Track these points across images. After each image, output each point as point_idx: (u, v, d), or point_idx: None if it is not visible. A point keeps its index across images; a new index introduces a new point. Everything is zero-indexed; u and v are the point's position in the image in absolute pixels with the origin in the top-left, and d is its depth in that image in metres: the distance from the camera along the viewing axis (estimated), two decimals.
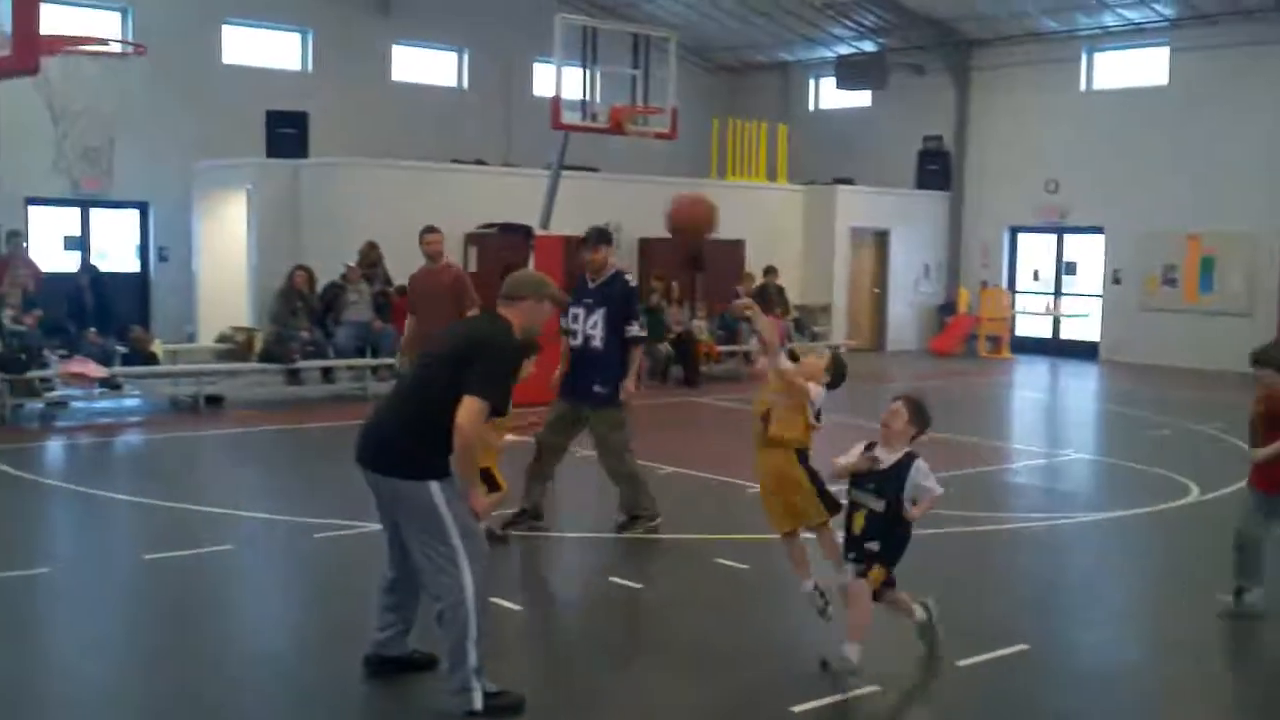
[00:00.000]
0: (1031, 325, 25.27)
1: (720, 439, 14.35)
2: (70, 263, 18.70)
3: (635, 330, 9.05)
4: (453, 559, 5.40)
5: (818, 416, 6.46)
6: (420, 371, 5.75)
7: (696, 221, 7.98)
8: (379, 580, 5.90)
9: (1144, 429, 15.03)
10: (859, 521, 6.18)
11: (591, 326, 8.92)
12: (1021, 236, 25.48)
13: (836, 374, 6.61)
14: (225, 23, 21.96)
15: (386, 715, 5.78)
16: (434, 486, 5.41)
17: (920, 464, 6.14)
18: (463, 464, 5.46)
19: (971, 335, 24.32)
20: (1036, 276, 25.39)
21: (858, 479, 6.24)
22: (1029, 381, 20.78)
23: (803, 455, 6.48)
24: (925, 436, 6.30)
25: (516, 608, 7.07)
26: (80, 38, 11.53)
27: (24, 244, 16.73)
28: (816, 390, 6.41)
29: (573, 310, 8.98)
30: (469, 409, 5.32)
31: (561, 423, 9.06)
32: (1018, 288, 25.38)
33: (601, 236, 9.23)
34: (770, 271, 20.76)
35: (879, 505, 6.13)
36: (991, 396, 18.04)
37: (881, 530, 6.17)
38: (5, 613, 7.06)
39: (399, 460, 5.47)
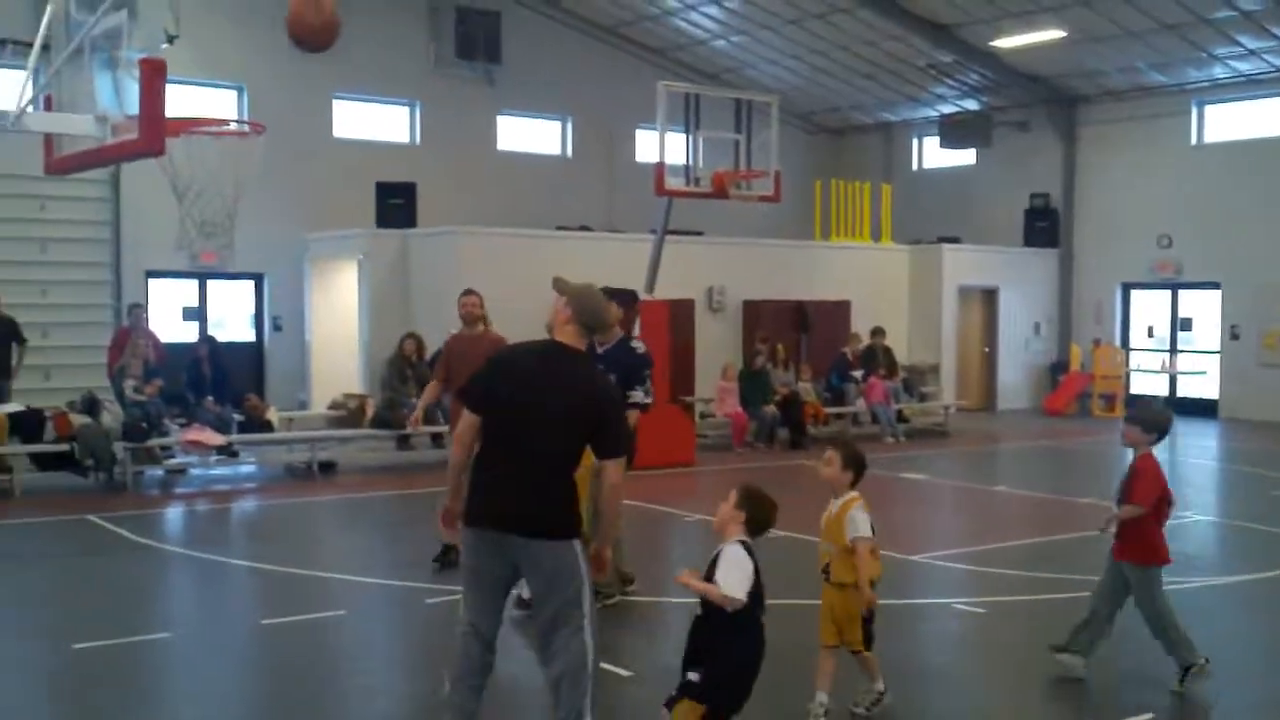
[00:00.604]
0: (1147, 383, 24.71)
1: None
2: (188, 333, 19.25)
3: (640, 396, 8.62)
4: (582, 620, 5.36)
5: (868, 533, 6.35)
6: (550, 430, 5.35)
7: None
8: (474, 655, 5.50)
9: (1267, 488, 14.58)
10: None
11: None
12: (1134, 293, 25.01)
13: (857, 469, 6.49)
14: (335, 97, 22.55)
15: None
16: (577, 545, 5.36)
17: (729, 550, 5.35)
18: (614, 524, 5.61)
19: (1085, 394, 23.86)
20: (1151, 333, 24.87)
21: None
22: None
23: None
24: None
25: (626, 673, 7.03)
26: (203, 119, 11.92)
27: (144, 315, 17.24)
28: (863, 521, 6.33)
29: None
30: (619, 470, 5.44)
31: None
32: (1132, 345, 24.89)
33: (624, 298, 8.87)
34: (878, 332, 20.62)
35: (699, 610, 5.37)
36: (1106, 456, 17.62)
37: (706, 642, 5.28)
38: (130, 677, 7.21)
39: (552, 520, 5.34)
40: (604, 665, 7.04)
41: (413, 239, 19.62)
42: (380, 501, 13.52)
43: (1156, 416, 7.23)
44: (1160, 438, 7.15)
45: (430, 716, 6.63)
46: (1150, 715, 6.52)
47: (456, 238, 19.06)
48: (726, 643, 5.26)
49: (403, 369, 16.25)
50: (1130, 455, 7.23)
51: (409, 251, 19.43)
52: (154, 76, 7.77)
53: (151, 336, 16.39)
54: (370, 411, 16.05)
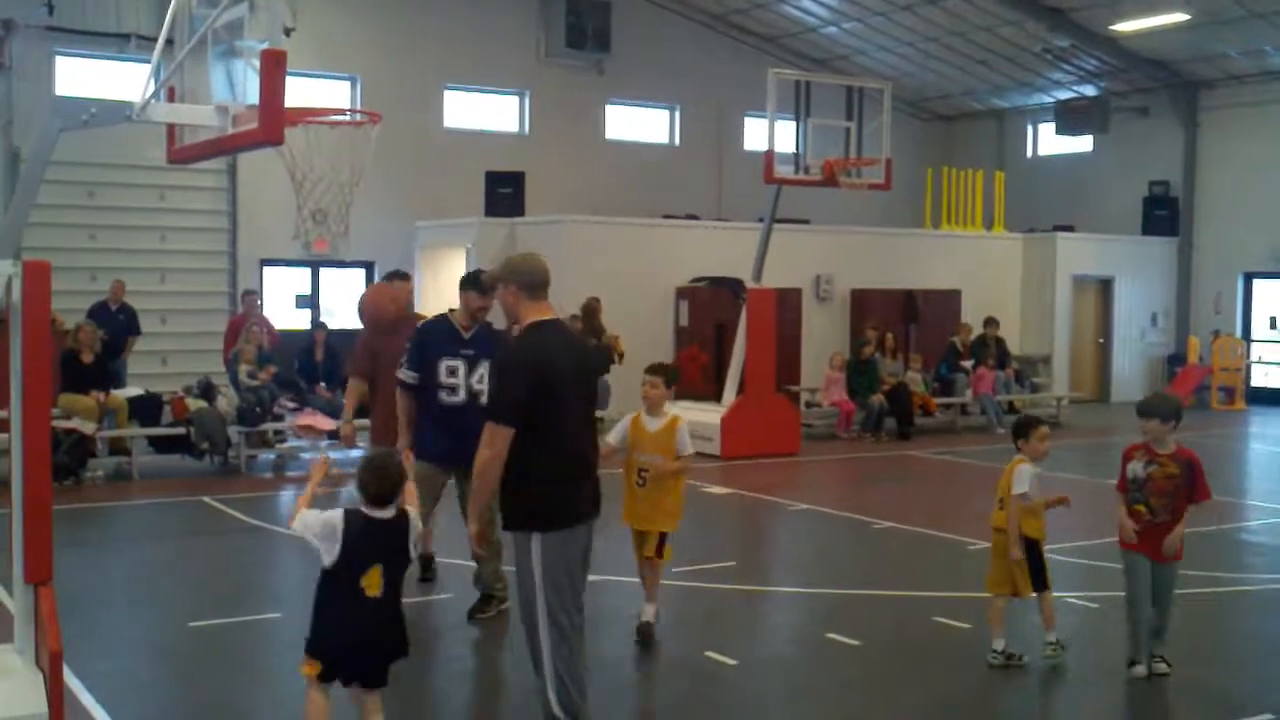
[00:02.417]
0: (1268, 376, 23.99)
1: (935, 493, 14.04)
2: (301, 321, 19.60)
3: None
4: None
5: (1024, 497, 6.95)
6: (586, 408, 5.60)
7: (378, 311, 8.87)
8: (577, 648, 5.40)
9: None
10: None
11: (478, 381, 7.79)
12: (1257, 282, 24.28)
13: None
14: (447, 88, 22.78)
15: None
16: None
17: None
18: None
19: (1204, 386, 23.24)
20: (1273, 325, 24.12)
21: None
22: (1266, 434, 19.72)
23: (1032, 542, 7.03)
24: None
25: (732, 661, 7.02)
26: (321, 109, 12.12)
27: (259, 301, 17.60)
28: (1024, 478, 6.98)
29: (447, 364, 7.89)
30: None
31: (426, 487, 7.30)
32: (1253, 336, 24.17)
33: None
34: (990, 323, 20.28)
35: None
36: (1226, 450, 17.15)
37: None
38: (242, 655, 7.37)
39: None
40: (710, 654, 7.05)
41: (521, 228, 19.76)
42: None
43: (1171, 403, 7.01)
44: (1178, 424, 6.87)
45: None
46: (1270, 716, 6.34)
47: (564, 226, 19.15)
48: None
49: None
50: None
51: (517, 240, 19.56)
52: (274, 67, 7.87)
53: (266, 322, 16.74)
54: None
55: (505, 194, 20.50)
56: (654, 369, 7.49)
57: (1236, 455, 17.55)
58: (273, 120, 7.85)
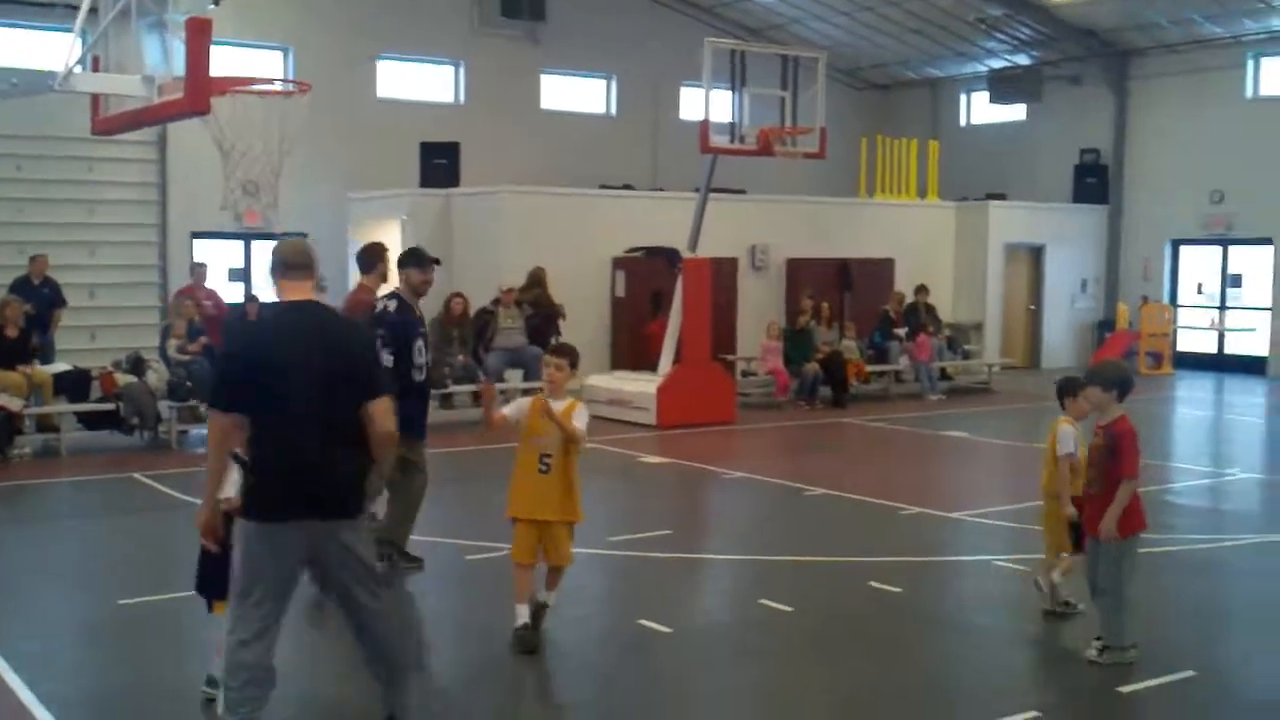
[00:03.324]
0: (1195, 341, 24.42)
1: (869, 460, 14.20)
2: (234, 294, 19.39)
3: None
4: (389, 591, 5.23)
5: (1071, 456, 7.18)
6: (320, 397, 5.07)
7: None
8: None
9: None
10: None
11: (424, 358, 8.29)
12: (1184, 249, 24.67)
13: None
14: (380, 58, 22.57)
15: None
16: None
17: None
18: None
19: (1131, 352, 23.61)
20: (1200, 290, 24.55)
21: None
22: (1193, 398, 20.10)
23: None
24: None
25: (666, 629, 7.07)
26: (248, 78, 11.97)
27: (205, 274, 17.40)
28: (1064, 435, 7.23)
29: (418, 344, 8.23)
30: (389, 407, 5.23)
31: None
32: (1180, 302, 24.59)
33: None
34: (921, 290, 20.49)
35: None
36: (1153, 414, 17.45)
37: None
38: (172, 632, 7.29)
39: (349, 499, 5.17)
40: (643, 622, 7.10)
41: (456, 199, 19.65)
42: (431, 460, 13.57)
43: (1114, 370, 6.88)
44: (1123, 394, 6.66)
45: (475, 670, 6.71)
46: (1192, 673, 6.49)
47: (499, 197, 19.07)
48: None
49: (448, 328, 16.31)
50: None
51: (452, 211, 19.46)
52: (199, 35, 7.81)
53: (214, 295, 16.58)
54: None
55: (440, 165, 20.37)
56: (558, 351, 6.95)
57: (1163, 419, 17.88)
58: (198, 90, 7.80)
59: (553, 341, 16.95)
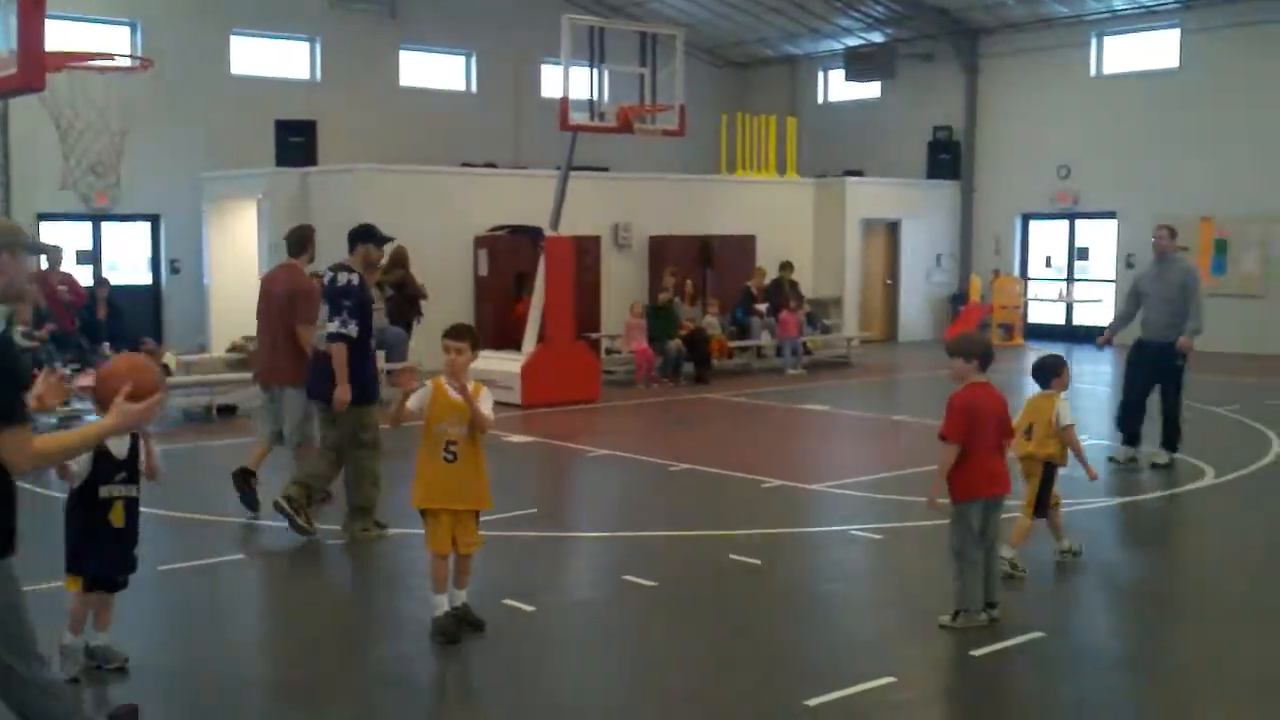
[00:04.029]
0: (1044, 312, 25.20)
1: (732, 434, 14.36)
2: (83, 277, 18.80)
3: (335, 327, 8.56)
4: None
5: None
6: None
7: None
8: None
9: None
10: (119, 516, 5.86)
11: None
12: (1033, 224, 25.41)
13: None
14: (233, 34, 22.05)
15: None
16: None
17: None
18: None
19: (984, 324, 24.24)
20: (1049, 263, 25.33)
21: (104, 469, 5.76)
22: None
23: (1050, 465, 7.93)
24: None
25: (529, 608, 7.08)
26: (86, 54, 11.56)
27: (61, 256, 16.85)
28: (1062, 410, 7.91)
29: (375, 315, 9.09)
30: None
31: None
32: (1030, 275, 25.32)
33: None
34: (785, 266, 20.77)
35: (134, 491, 5.92)
36: (1005, 384, 17.81)
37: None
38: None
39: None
40: (508, 601, 7.10)
41: (313, 177, 19.31)
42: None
43: (971, 341, 7.14)
44: (983, 363, 6.94)
45: (327, 657, 6.65)
46: (1041, 634, 6.71)
47: (358, 175, 18.79)
48: None
49: None
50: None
51: (310, 190, 19.12)
52: (32, 8, 7.52)
53: (70, 279, 16.06)
54: None
55: (296, 143, 19.99)
56: (458, 333, 6.59)
57: (1014, 389, 18.35)
58: (32, 65, 7.51)
59: (415, 323, 16.79)
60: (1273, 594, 7.77)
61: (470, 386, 6.48)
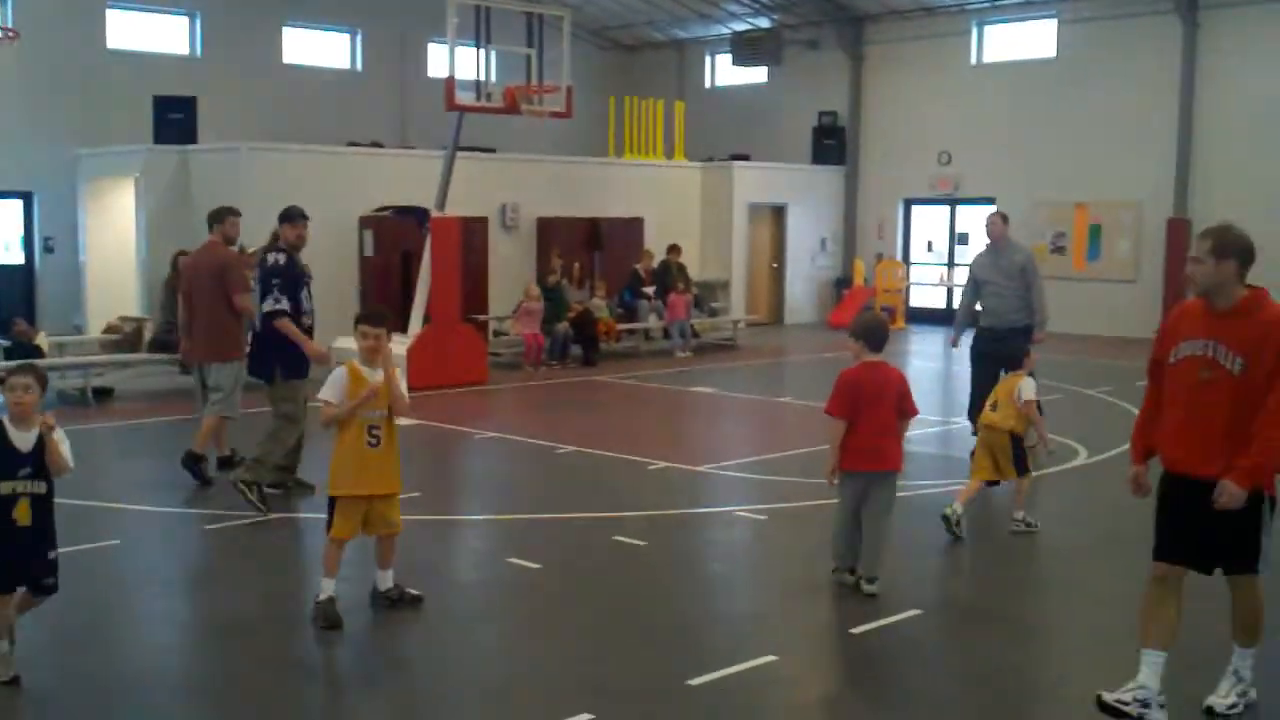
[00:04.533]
0: (926, 296, 25.68)
1: (619, 416, 14.42)
2: None
3: (269, 304, 9.17)
4: None
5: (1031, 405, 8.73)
6: None
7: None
8: None
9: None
10: (24, 513, 5.61)
11: (310, 304, 9.42)
12: (915, 209, 25.85)
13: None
14: (109, 6, 21.48)
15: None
16: None
17: None
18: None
19: (868, 307, 24.62)
20: (930, 248, 25.80)
21: (6, 463, 5.56)
22: (924, 351, 21.11)
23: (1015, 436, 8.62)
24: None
25: (413, 593, 7.04)
26: None
27: None
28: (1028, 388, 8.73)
29: (305, 292, 9.32)
30: None
31: (302, 399, 9.41)
32: (912, 259, 25.77)
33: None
34: (673, 249, 20.85)
35: (41, 487, 5.66)
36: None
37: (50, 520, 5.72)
38: None
39: None
40: (412, 590, 7.05)
41: (194, 155, 18.88)
42: (159, 428, 13.09)
43: (862, 323, 7.32)
44: (873, 344, 7.17)
45: (203, 642, 6.56)
46: (917, 611, 6.86)
47: (240, 154, 18.42)
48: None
49: (179, 290, 15.69)
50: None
51: (190, 168, 18.69)
52: None
53: None
54: (148, 335, 15.50)
55: (175, 120, 19.49)
56: (374, 319, 6.63)
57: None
58: None
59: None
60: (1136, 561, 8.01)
61: (390, 370, 6.56)
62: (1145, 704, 5.15)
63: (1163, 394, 5.33)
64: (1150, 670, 5.21)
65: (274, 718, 5.57)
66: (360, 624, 6.61)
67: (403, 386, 6.60)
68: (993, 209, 17.82)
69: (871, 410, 7.03)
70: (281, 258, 9.14)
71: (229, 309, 9.76)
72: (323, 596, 6.52)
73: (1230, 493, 5.01)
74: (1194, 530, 5.22)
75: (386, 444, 6.56)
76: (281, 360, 9.09)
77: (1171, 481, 5.28)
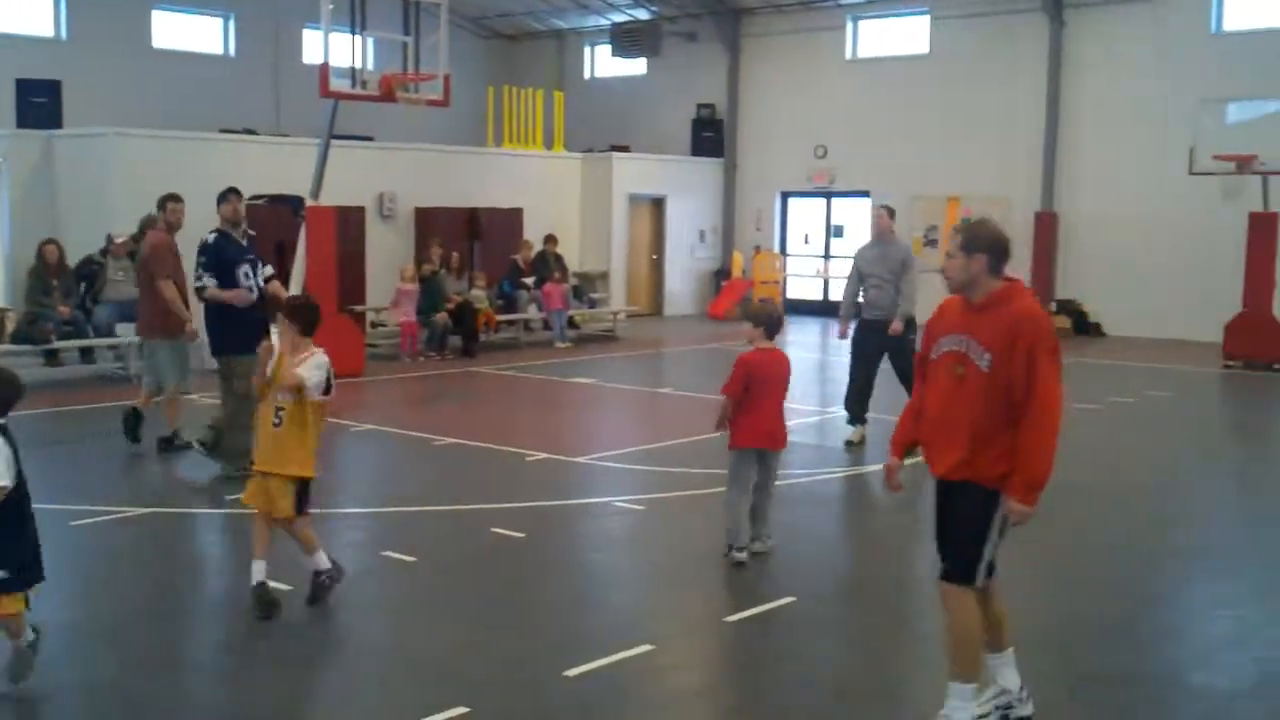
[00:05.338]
0: (802, 287, 26.04)
1: (498, 408, 14.38)
2: None
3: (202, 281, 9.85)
4: None
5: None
6: None
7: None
8: None
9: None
10: None
11: (261, 280, 10.06)
12: (792, 201, 26.18)
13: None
14: None
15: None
16: None
17: None
18: None
19: (746, 299, 24.88)
20: (807, 240, 26.16)
21: None
22: (802, 341, 21.37)
23: None
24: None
25: (287, 587, 6.97)
26: None
27: None
28: None
29: (244, 269, 9.87)
30: None
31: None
32: (789, 251, 26.10)
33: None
34: (550, 240, 20.83)
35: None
36: None
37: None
38: None
39: None
40: (279, 585, 6.97)
41: (59, 141, 18.35)
42: (23, 421, 12.70)
43: (760, 310, 7.92)
44: (768, 330, 7.74)
45: (73, 644, 6.41)
46: (792, 598, 6.97)
47: (108, 140, 17.94)
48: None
49: (46, 279, 15.29)
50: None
51: (54, 154, 18.17)
52: None
53: None
54: (11, 325, 15.06)
55: (39, 104, 18.96)
56: (293, 313, 6.87)
57: None
58: None
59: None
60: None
61: (311, 355, 6.75)
62: (1008, 707, 5.24)
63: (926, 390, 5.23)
64: (1006, 672, 5.27)
65: (145, 717, 5.47)
66: (234, 617, 6.52)
67: (309, 371, 6.65)
68: (869, 202, 18.39)
69: (764, 389, 7.59)
70: (210, 237, 9.86)
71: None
72: (254, 581, 6.59)
73: (1018, 511, 4.88)
74: (940, 528, 5.18)
75: (289, 426, 6.65)
76: (226, 336, 9.56)
77: (936, 481, 5.20)
